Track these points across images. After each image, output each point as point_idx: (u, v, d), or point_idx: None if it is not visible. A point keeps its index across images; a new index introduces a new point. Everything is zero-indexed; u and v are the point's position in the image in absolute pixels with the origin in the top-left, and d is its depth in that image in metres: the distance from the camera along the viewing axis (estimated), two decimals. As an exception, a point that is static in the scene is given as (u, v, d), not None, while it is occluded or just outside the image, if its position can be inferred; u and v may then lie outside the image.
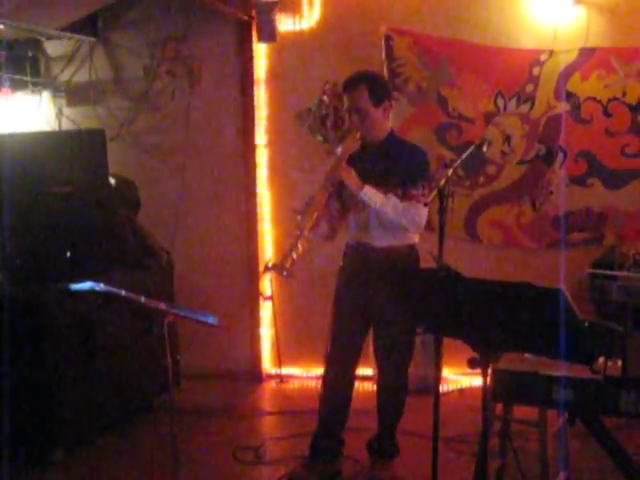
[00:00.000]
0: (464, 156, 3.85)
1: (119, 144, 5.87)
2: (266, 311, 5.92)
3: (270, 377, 5.95)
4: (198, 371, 5.85)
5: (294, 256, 3.66)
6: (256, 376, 5.94)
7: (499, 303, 2.64)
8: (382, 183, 3.88)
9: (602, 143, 5.34)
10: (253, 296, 5.92)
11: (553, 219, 5.46)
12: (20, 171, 4.72)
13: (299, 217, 3.80)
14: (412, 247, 4.04)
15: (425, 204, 3.61)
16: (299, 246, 3.68)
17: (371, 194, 3.84)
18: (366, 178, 3.87)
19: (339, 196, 4.03)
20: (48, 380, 4.52)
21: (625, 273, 4.96)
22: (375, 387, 4.39)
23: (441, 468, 3.63)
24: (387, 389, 4.22)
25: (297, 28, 5.66)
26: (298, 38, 5.67)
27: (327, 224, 4.04)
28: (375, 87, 3.93)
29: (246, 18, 5.58)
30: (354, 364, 4.22)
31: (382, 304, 3.92)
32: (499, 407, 3.64)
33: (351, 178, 3.85)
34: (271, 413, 5.36)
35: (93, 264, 4.83)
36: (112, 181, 5.23)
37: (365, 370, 5.72)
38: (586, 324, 2.53)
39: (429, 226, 5.50)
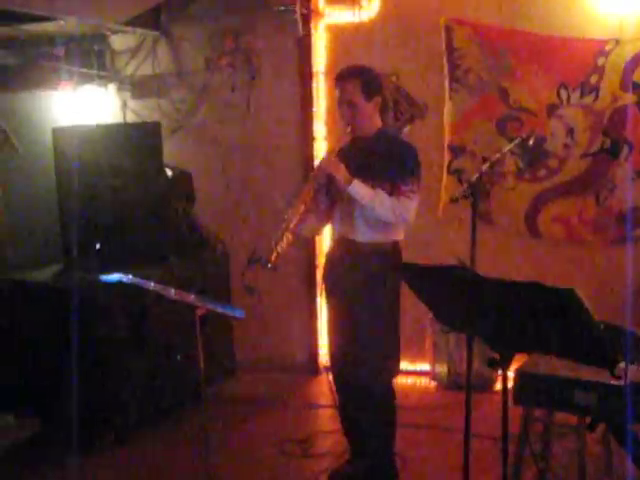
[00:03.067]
0: (505, 150, 3.79)
1: (180, 136, 5.97)
2: (324, 304, 5.91)
3: (327, 370, 5.93)
4: (256, 362, 5.91)
5: (279, 250, 3.59)
6: (313, 369, 5.96)
7: (513, 303, 2.56)
8: (371, 178, 3.79)
9: (670, 136, 5.13)
10: (311, 289, 5.92)
11: (617, 214, 5.24)
12: (79, 163, 4.86)
13: (287, 210, 3.75)
14: (396, 243, 3.92)
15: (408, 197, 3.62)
16: (284, 239, 3.62)
17: (359, 189, 3.75)
18: (355, 172, 3.79)
19: (328, 190, 3.95)
20: (100, 367, 4.65)
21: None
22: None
23: (484, 467, 3.60)
24: (361, 399, 3.97)
25: (356, 19, 5.60)
26: (357, 30, 5.62)
27: (316, 218, 4.00)
28: (367, 81, 3.85)
29: (305, 11, 5.56)
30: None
31: (356, 301, 3.86)
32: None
33: (340, 172, 3.77)
34: (323, 406, 5.34)
35: (146, 254, 4.94)
36: (169, 173, 5.31)
37: (421, 365, 5.71)
38: (601, 326, 2.43)
39: (489, 219, 5.49)
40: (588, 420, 3.11)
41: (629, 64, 5.08)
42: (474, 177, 3.34)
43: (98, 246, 4.41)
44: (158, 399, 4.97)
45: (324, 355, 5.95)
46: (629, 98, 5.12)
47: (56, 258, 5.08)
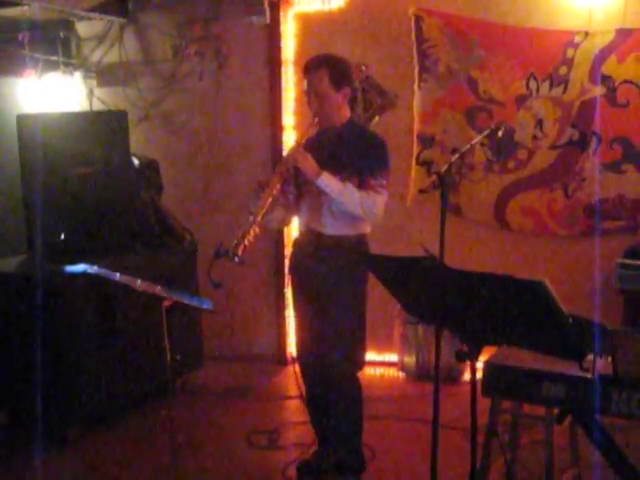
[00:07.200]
0: (475, 141, 3.76)
1: (147, 125, 5.91)
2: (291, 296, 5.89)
3: (294, 361, 5.90)
4: (223, 353, 5.89)
5: (246, 242, 3.50)
6: (281, 359, 5.94)
7: (482, 295, 2.54)
8: (339, 170, 3.73)
9: (638, 128, 5.13)
10: (279, 280, 5.89)
11: (585, 206, 5.27)
12: (44, 152, 4.79)
13: (254, 202, 3.68)
14: (362, 237, 3.88)
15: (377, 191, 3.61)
16: (251, 232, 3.53)
17: (329, 181, 3.69)
18: (323, 164, 3.73)
19: (296, 182, 3.90)
20: (66, 359, 4.58)
21: (656, 264, 4.80)
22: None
23: (453, 458, 3.61)
24: (327, 391, 3.96)
25: (326, 8, 5.57)
26: (327, 18, 5.59)
27: (283, 210, 3.95)
28: (336, 71, 3.77)
29: (274, -1, 5.54)
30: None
31: (322, 293, 3.83)
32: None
33: (308, 164, 3.70)
34: (291, 397, 5.30)
35: (113, 244, 4.88)
36: (136, 162, 5.24)
37: (389, 356, 5.71)
38: (570, 319, 2.42)
39: (458, 211, 5.49)
40: (557, 412, 3.11)
41: (598, 56, 5.10)
42: (443, 168, 3.31)
43: (62, 236, 4.33)
44: (125, 390, 4.91)
45: (292, 346, 5.94)
46: (597, 90, 5.14)
47: (22, 248, 5.01)
